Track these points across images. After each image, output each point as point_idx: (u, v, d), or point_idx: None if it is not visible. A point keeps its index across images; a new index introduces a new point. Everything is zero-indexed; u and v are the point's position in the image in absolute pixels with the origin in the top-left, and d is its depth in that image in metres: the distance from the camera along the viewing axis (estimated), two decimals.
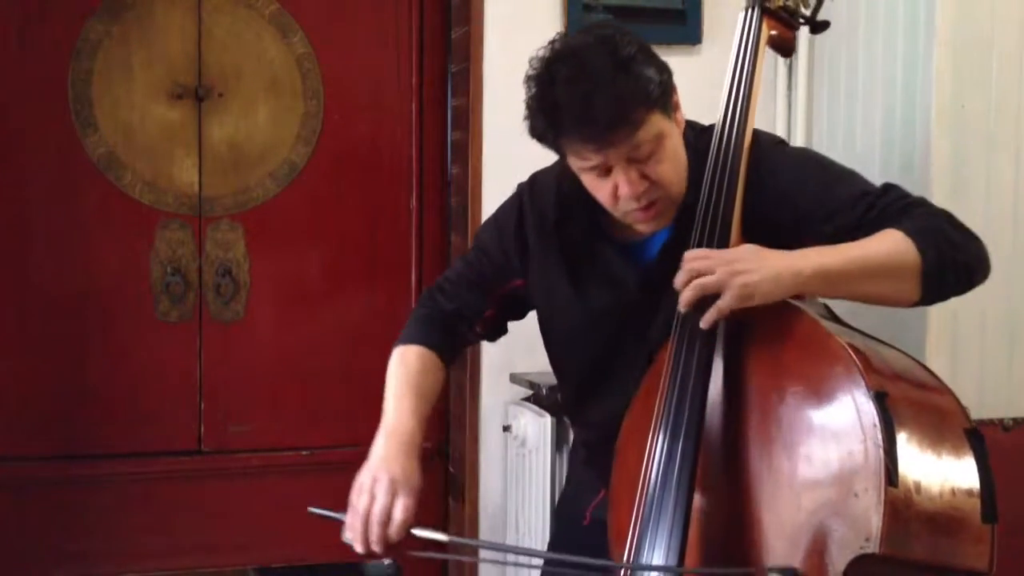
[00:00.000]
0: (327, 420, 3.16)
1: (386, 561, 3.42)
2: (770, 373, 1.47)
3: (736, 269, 1.44)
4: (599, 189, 1.61)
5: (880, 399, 1.33)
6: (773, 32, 1.78)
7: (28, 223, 2.96)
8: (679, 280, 1.48)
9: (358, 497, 1.61)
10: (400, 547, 1.59)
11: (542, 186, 1.81)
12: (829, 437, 1.37)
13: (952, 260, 1.52)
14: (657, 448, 1.50)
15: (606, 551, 1.64)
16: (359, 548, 1.59)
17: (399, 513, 1.58)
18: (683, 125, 1.67)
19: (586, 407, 1.83)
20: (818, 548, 1.34)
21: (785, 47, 1.85)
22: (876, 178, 2.66)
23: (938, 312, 2.46)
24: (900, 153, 2.58)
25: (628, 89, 1.52)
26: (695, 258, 1.48)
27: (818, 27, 1.88)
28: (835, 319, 1.54)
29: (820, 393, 1.40)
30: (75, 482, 2.97)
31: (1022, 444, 2.46)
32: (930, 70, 2.47)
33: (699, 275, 1.45)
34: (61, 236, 2.97)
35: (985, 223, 2.50)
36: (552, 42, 1.60)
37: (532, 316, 1.88)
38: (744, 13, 1.77)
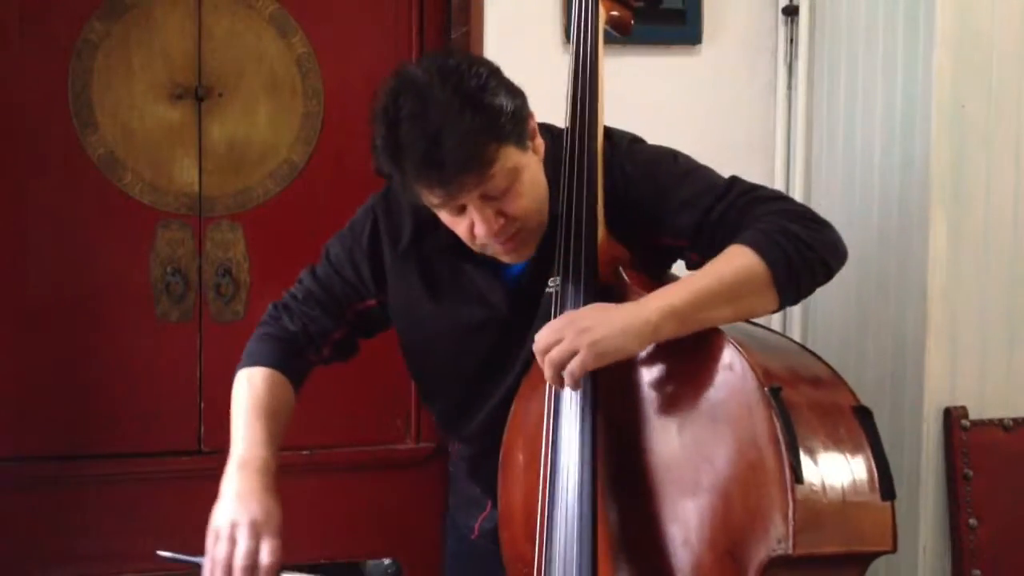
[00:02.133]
0: (327, 420, 3.15)
1: (386, 561, 3.42)
2: (662, 377, 1.44)
3: (582, 328, 1.39)
4: (456, 225, 1.55)
5: (776, 395, 1.30)
6: (613, 13, 1.72)
7: (28, 223, 2.95)
8: (538, 362, 1.43)
9: (215, 544, 1.51)
10: None
11: (396, 203, 1.73)
12: (729, 439, 1.34)
13: (802, 259, 1.47)
14: (551, 462, 1.45)
15: (498, 562, 1.59)
16: None
17: (266, 557, 1.51)
18: (541, 151, 1.58)
19: (465, 422, 1.75)
20: (729, 554, 1.31)
21: (623, 26, 1.78)
22: (876, 178, 2.68)
23: (938, 312, 2.46)
24: (900, 153, 2.58)
25: (476, 126, 1.44)
26: (541, 339, 1.42)
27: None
28: None
29: (715, 394, 1.37)
30: (75, 482, 2.97)
31: (1022, 444, 2.46)
32: (930, 70, 2.47)
33: (548, 351, 1.40)
34: (61, 236, 2.97)
35: (985, 223, 2.50)
36: (396, 72, 1.54)
37: None
38: None
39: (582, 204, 1.53)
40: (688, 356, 1.42)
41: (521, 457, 1.57)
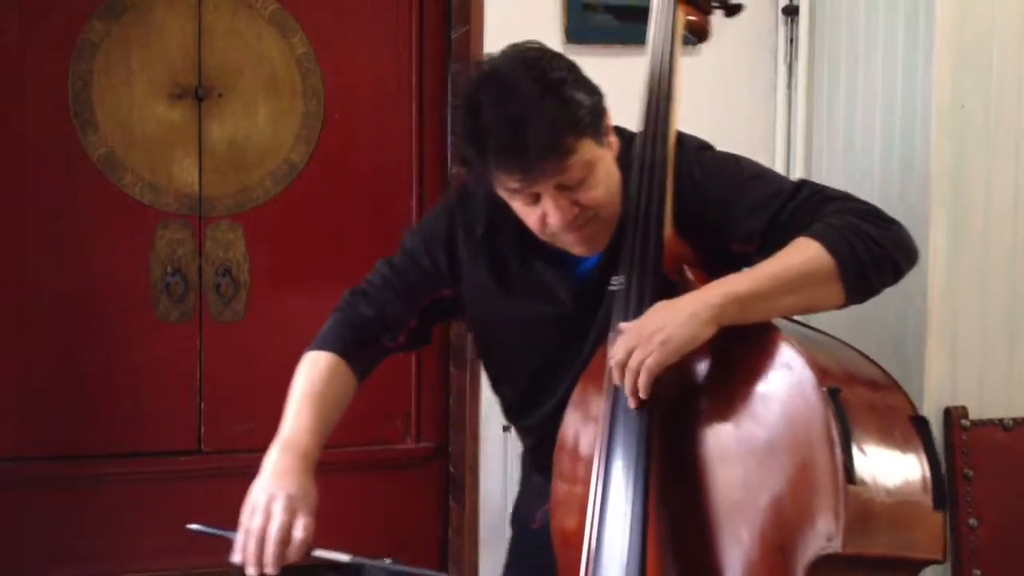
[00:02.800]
0: None
1: (387, 560, 3.42)
2: (721, 376, 1.45)
3: (651, 332, 1.41)
4: (527, 215, 1.57)
5: (833, 395, 1.31)
6: (690, 18, 1.74)
7: (28, 223, 2.96)
8: (615, 379, 1.45)
9: (251, 516, 1.54)
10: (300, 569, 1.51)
11: (472, 197, 1.75)
12: (784, 437, 1.35)
13: (869, 254, 1.48)
14: (605, 454, 1.46)
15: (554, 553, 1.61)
16: (252, 571, 1.52)
17: (299, 532, 1.52)
18: (616, 148, 1.61)
19: (528, 412, 1.78)
20: (779, 551, 1.32)
21: (701, 32, 1.80)
22: (876, 178, 2.68)
23: (938, 312, 2.46)
24: (900, 153, 2.58)
25: (557, 115, 1.47)
26: (616, 354, 1.45)
27: (732, 10, 1.83)
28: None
29: (772, 394, 1.38)
30: (75, 482, 2.97)
31: (1022, 444, 2.46)
32: (930, 70, 2.47)
33: (624, 364, 1.43)
34: (61, 236, 2.97)
35: (985, 223, 2.50)
36: (479, 63, 1.55)
37: None
38: (659, 1, 1.70)
39: (651, 203, 1.55)
40: (745, 354, 1.43)
41: (575, 446, 1.58)
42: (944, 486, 1.35)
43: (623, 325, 1.47)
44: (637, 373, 1.42)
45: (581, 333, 1.65)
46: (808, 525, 1.29)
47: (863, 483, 1.28)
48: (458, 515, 3.14)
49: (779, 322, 1.44)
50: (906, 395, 1.42)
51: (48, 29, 2.94)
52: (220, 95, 3.05)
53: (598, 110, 1.54)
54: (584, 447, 1.56)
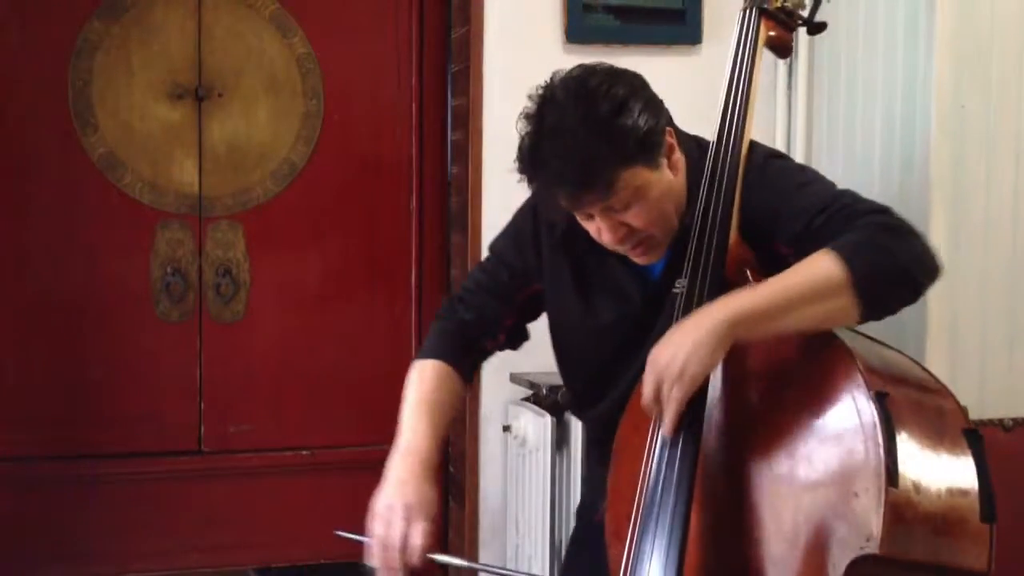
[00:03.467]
0: (327, 420, 3.16)
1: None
2: (769, 373, 1.47)
3: (663, 368, 1.45)
4: (587, 226, 1.66)
5: (880, 399, 1.33)
6: (771, 33, 1.77)
7: (28, 223, 2.96)
8: (648, 414, 1.50)
9: (374, 524, 1.61)
10: (422, 572, 1.60)
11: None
12: (830, 437, 1.37)
13: (885, 267, 1.48)
14: (656, 449, 1.50)
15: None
16: (383, 574, 1.60)
17: (416, 539, 1.58)
18: (681, 165, 1.66)
19: (592, 406, 1.85)
20: (818, 548, 1.34)
21: (783, 48, 1.84)
22: (876, 178, 2.68)
23: (938, 312, 2.46)
24: (900, 153, 2.58)
25: (600, 152, 1.53)
26: (645, 398, 1.49)
27: (816, 28, 1.87)
28: None
29: (820, 393, 1.40)
30: (75, 482, 2.97)
31: (1022, 444, 2.46)
32: (930, 70, 2.47)
33: (651, 400, 1.47)
34: (61, 236, 2.97)
35: (985, 223, 2.50)
36: (547, 82, 1.62)
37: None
38: (742, 14, 1.76)
39: (718, 211, 1.60)
40: (796, 354, 1.45)
41: (631, 440, 1.62)
42: (994, 500, 1.37)
43: (651, 355, 1.50)
44: (670, 411, 1.47)
45: (645, 333, 1.68)
46: (849, 525, 1.31)
47: (905, 487, 1.30)
48: (458, 515, 3.14)
49: (844, 331, 1.46)
50: (959, 406, 1.44)
51: (48, 29, 2.94)
52: (220, 95, 3.05)
53: (654, 134, 1.59)
54: (635, 448, 1.58)
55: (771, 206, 1.62)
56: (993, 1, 2.46)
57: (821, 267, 1.48)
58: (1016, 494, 2.38)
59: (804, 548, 1.36)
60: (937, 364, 2.46)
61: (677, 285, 1.63)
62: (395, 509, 1.60)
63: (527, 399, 2.96)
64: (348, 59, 3.13)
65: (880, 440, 1.30)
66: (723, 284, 1.56)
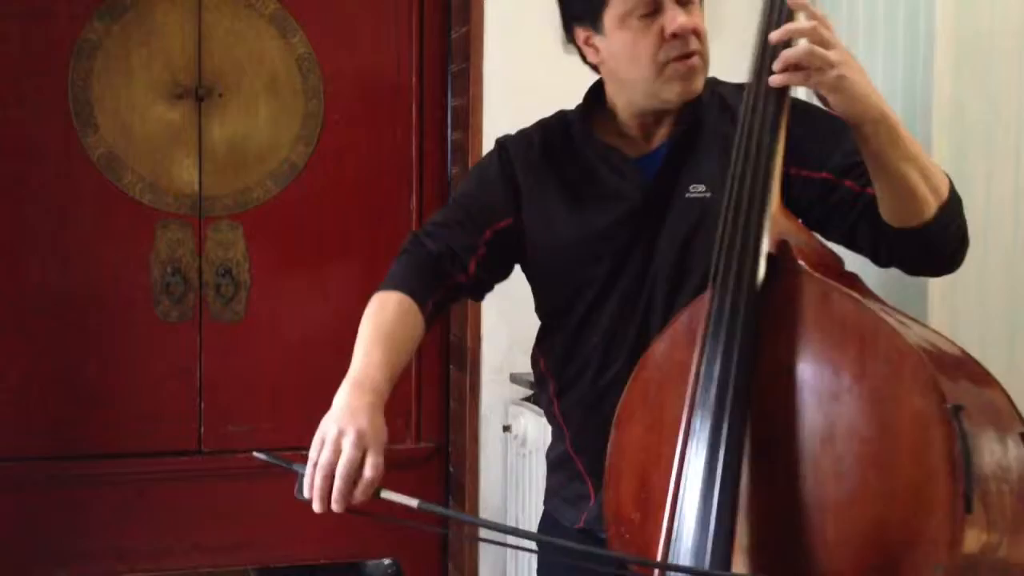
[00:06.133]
0: None
1: (386, 561, 3.42)
2: (831, 378, 1.32)
3: (834, 56, 1.38)
4: (643, 38, 1.61)
5: (957, 414, 1.20)
6: None
7: (28, 223, 2.96)
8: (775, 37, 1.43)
9: (320, 450, 1.46)
10: (363, 508, 1.43)
11: (519, 135, 1.79)
12: (897, 453, 1.24)
13: (962, 216, 1.55)
14: (695, 433, 1.36)
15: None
16: (318, 506, 1.43)
17: (369, 471, 1.44)
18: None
19: (581, 348, 1.74)
20: (877, 570, 1.24)
21: None
22: None
23: (938, 312, 2.46)
24: None
25: None
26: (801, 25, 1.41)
27: None
28: (876, 298, 1.43)
29: (890, 403, 1.26)
30: (75, 482, 2.97)
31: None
32: (930, 70, 2.47)
33: (820, 45, 1.39)
34: (61, 236, 2.97)
35: (985, 223, 2.50)
36: None
37: (529, 312, 1.83)
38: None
39: (765, 124, 1.50)
40: (859, 358, 1.31)
41: (644, 420, 1.49)
42: None
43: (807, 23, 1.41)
44: (794, 63, 1.39)
45: (647, 234, 1.65)
46: (915, 550, 1.20)
47: (978, 512, 1.19)
48: None
49: (894, 321, 1.32)
50: (1017, 412, 1.34)
51: (48, 29, 2.94)
52: (220, 95, 3.05)
53: None
54: (658, 420, 1.46)
55: (819, 129, 1.61)
56: (993, 1, 2.46)
57: (938, 168, 1.52)
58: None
59: (861, 568, 1.26)
60: None
61: (693, 189, 1.61)
62: (346, 435, 1.45)
63: (527, 399, 2.96)
64: (348, 59, 3.13)
65: (957, 461, 1.18)
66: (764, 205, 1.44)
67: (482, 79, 2.99)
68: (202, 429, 3.08)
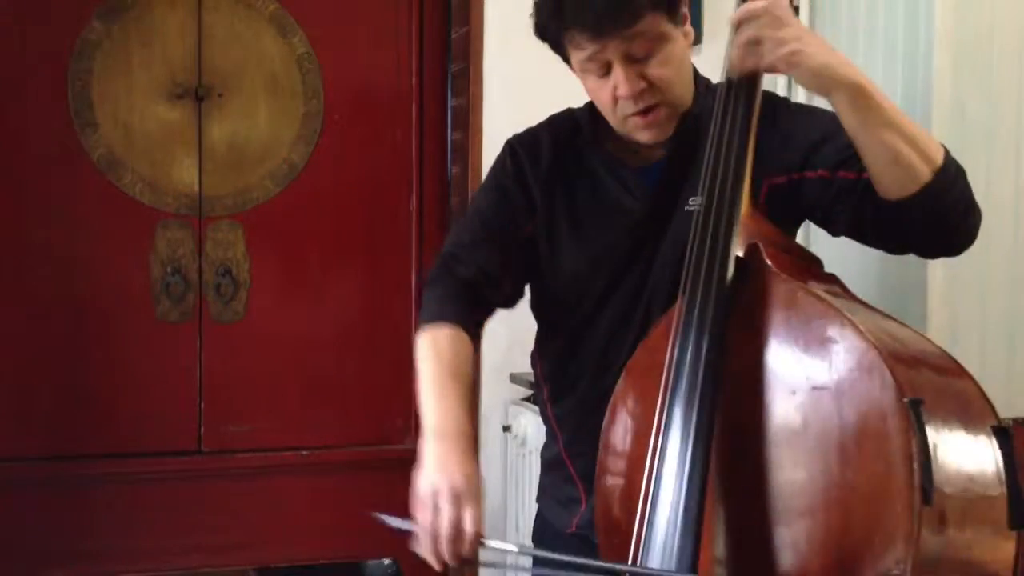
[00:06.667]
0: (327, 420, 3.16)
1: (386, 560, 3.42)
2: (792, 373, 1.34)
3: (782, 32, 1.38)
4: (600, 91, 1.60)
5: (915, 408, 1.21)
6: None
7: (28, 223, 2.96)
8: (736, 24, 1.42)
9: (422, 511, 1.51)
10: (474, 560, 1.51)
11: (530, 137, 1.78)
12: (856, 448, 1.26)
13: (964, 183, 1.48)
14: (662, 452, 1.39)
15: (592, 556, 1.57)
16: (435, 565, 1.51)
17: (468, 526, 1.50)
18: (690, 38, 1.65)
19: (578, 363, 1.75)
20: (839, 566, 1.25)
21: None
22: None
23: (938, 312, 2.46)
24: None
25: None
26: (740, 14, 1.42)
27: None
28: (850, 297, 1.45)
29: (848, 397, 1.28)
30: (75, 482, 2.97)
31: (1022, 444, 2.46)
32: (930, 70, 2.47)
33: (746, 21, 1.41)
34: (61, 236, 2.97)
35: (985, 223, 2.49)
36: None
37: (530, 312, 1.83)
38: None
39: (735, 124, 1.50)
40: (823, 354, 1.32)
41: (628, 428, 1.52)
42: (1022, 503, 1.26)
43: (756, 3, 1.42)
44: (741, 48, 1.41)
45: (647, 253, 1.64)
46: (875, 545, 1.21)
47: (939, 505, 1.19)
48: None
49: (856, 315, 1.34)
50: (989, 404, 1.35)
51: (48, 29, 2.94)
52: (220, 95, 3.05)
53: None
54: (639, 425, 1.49)
55: (820, 126, 1.58)
56: (993, 1, 2.46)
57: (929, 135, 1.46)
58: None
59: (823, 565, 1.26)
60: None
61: (692, 202, 1.59)
62: (442, 493, 1.49)
63: (527, 399, 2.96)
64: (348, 59, 3.13)
65: (915, 456, 1.19)
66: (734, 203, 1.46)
67: (482, 79, 2.99)
68: (202, 429, 3.08)
